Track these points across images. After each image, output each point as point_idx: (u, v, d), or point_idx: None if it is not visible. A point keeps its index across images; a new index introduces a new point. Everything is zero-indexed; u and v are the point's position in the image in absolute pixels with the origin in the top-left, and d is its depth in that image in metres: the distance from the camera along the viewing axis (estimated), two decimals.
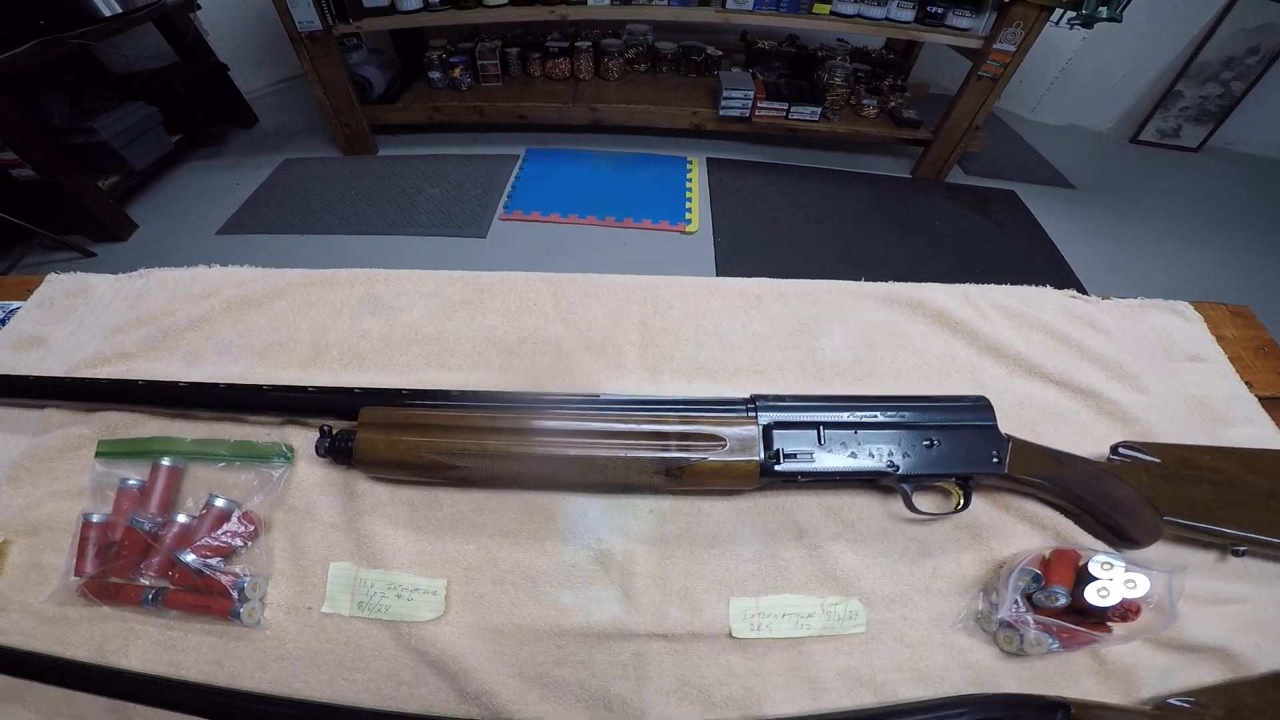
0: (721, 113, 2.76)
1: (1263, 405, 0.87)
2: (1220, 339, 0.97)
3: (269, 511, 0.68)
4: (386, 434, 0.64)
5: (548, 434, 0.63)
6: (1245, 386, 0.90)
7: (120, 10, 2.23)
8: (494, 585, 0.64)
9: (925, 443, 0.65)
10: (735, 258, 2.37)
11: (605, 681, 0.59)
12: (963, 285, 0.93)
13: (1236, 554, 0.71)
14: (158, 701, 0.55)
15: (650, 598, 0.63)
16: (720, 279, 0.90)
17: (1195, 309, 1.01)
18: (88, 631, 0.61)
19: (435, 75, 2.81)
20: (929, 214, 2.71)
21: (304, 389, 0.71)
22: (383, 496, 0.69)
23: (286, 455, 0.71)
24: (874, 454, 0.64)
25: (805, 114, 2.74)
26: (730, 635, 0.61)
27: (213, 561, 0.62)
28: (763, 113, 2.75)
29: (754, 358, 0.83)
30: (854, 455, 0.64)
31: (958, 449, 0.65)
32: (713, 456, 0.62)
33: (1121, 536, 0.68)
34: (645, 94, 2.89)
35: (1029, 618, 0.60)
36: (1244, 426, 0.84)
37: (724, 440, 0.63)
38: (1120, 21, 2.34)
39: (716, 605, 0.63)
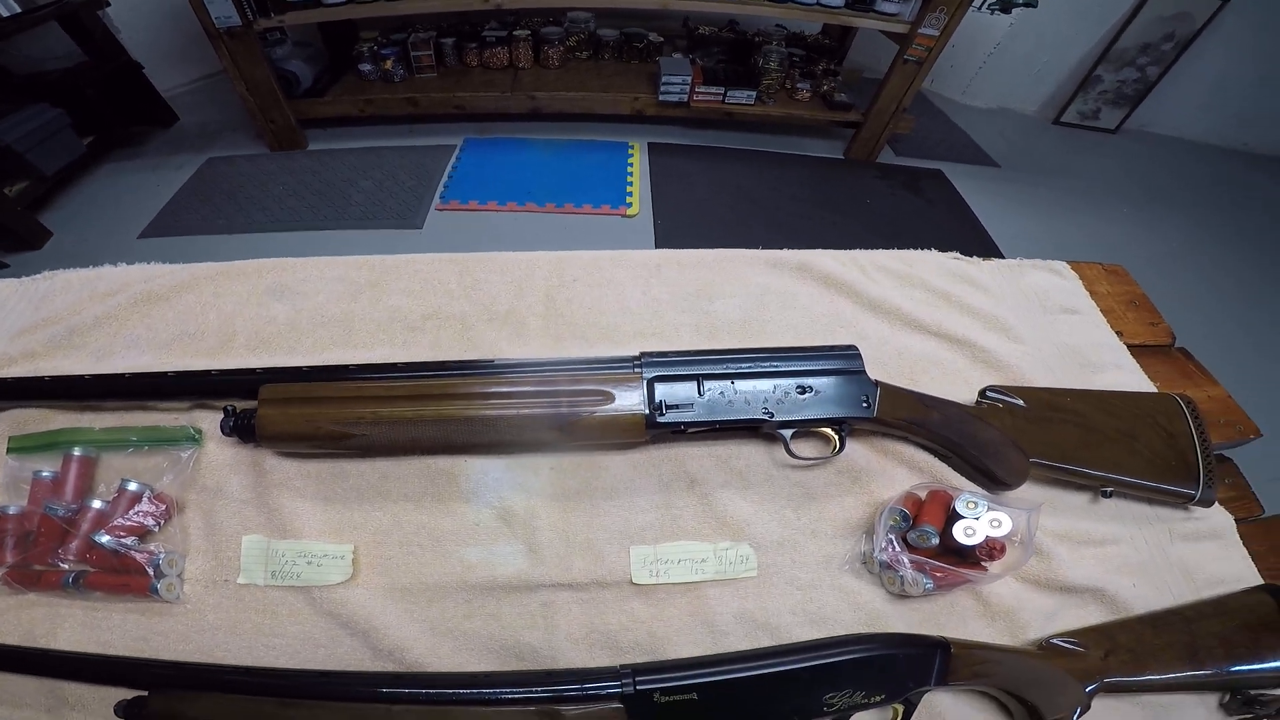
0: (661, 98, 2.79)
1: (1132, 352, 0.96)
2: (1094, 294, 1.05)
3: (181, 491, 0.70)
4: (286, 409, 0.66)
5: (441, 398, 0.66)
6: (1116, 336, 0.98)
7: (19, 10, 2.12)
8: (401, 547, 0.67)
9: (799, 390, 0.69)
10: (674, 238, 2.42)
11: (515, 632, 0.63)
12: (851, 250, 0.99)
13: (1105, 495, 0.76)
14: (86, 677, 0.57)
15: (554, 550, 0.67)
16: (623, 251, 0.94)
17: (1071, 267, 1.09)
18: (15, 619, 0.62)
19: (366, 68, 2.76)
20: (861, 193, 2.80)
21: (207, 373, 0.73)
22: (290, 471, 0.71)
23: (194, 437, 0.73)
24: (750, 402, 0.68)
25: (741, 98, 2.80)
26: (631, 582, 0.66)
27: (127, 541, 0.64)
28: (701, 97, 2.79)
29: (652, 322, 0.87)
30: (731, 404, 0.68)
31: (830, 395, 0.70)
32: (601, 411, 0.66)
33: (991, 478, 0.73)
34: (586, 81, 2.90)
35: (904, 557, 0.64)
36: (1111, 372, 0.92)
37: (612, 395, 0.66)
38: (1035, 6, 2.46)
39: (618, 554, 0.67)
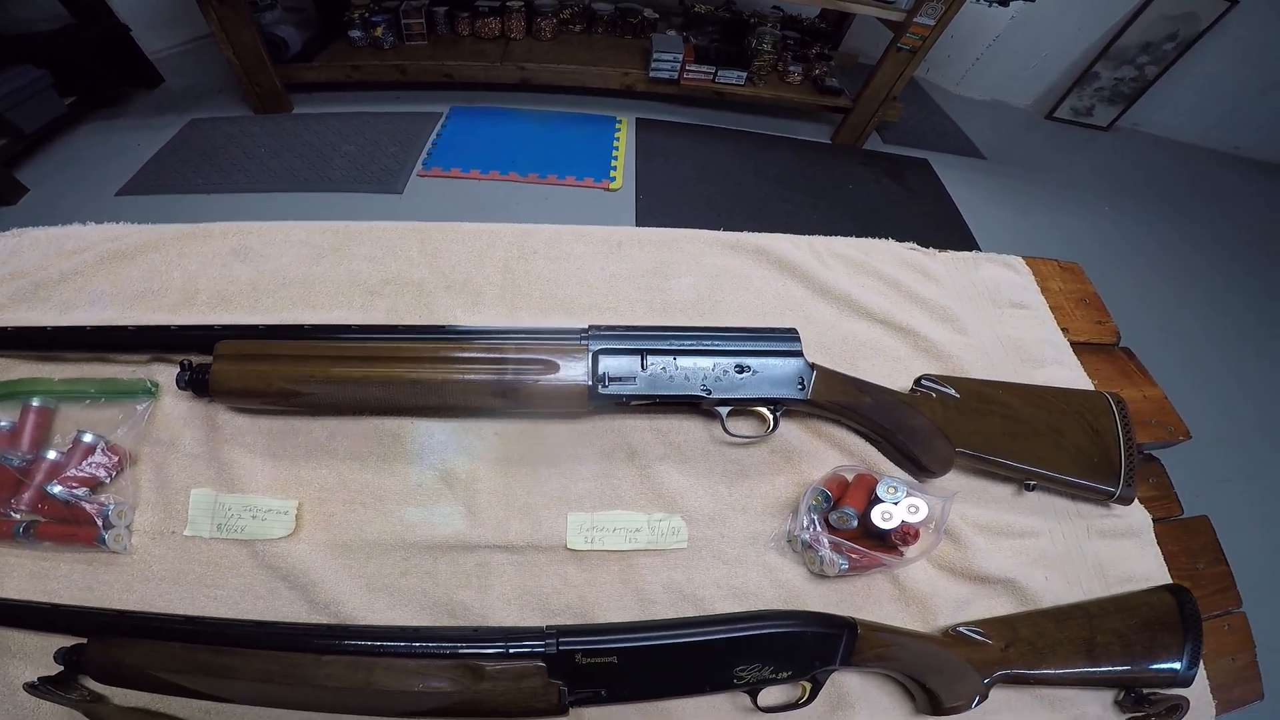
0: (652, 74, 2.77)
1: (1076, 350, 0.99)
2: (1046, 290, 1.08)
3: (135, 444, 0.71)
4: (240, 365, 0.68)
5: (390, 360, 0.68)
6: (1061, 332, 1.01)
7: None
8: (344, 505, 0.69)
9: (737, 369, 0.72)
10: (654, 214, 2.43)
11: (450, 590, 0.65)
12: (809, 236, 1.01)
13: (1028, 488, 0.79)
14: (27, 624, 0.59)
15: (493, 513, 0.70)
16: (586, 226, 0.96)
17: (1026, 263, 1.12)
18: None
19: (356, 34, 2.71)
20: (843, 179, 2.81)
21: (166, 327, 0.74)
22: (243, 426, 0.73)
23: (150, 390, 0.74)
24: (690, 378, 0.71)
25: (731, 78, 2.78)
26: (567, 547, 0.68)
27: (79, 492, 0.65)
28: (691, 75, 2.78)
29: (608, 297, 0.89)
30: (672, 380, 0.71)
31: (767, 376, 0.72)
32: (545, 380, 0.68)
33: (917, 464, 0.76)
34: (578, 54, 2.87)
35: (823, 537, 0.67)
36: (1052, 368, 0.95)
37: (557, 365, 0.69)
38: (1034, 1, 2.44)
39: (555, 520, 0.70)
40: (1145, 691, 0.68)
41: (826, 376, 0.74)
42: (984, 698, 0.64)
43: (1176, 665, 0.67)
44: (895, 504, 0.68)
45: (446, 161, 2.52)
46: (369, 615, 0.63)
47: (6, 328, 0.74)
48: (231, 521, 0.67)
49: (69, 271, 0.86)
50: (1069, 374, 0.94)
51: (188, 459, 0.71)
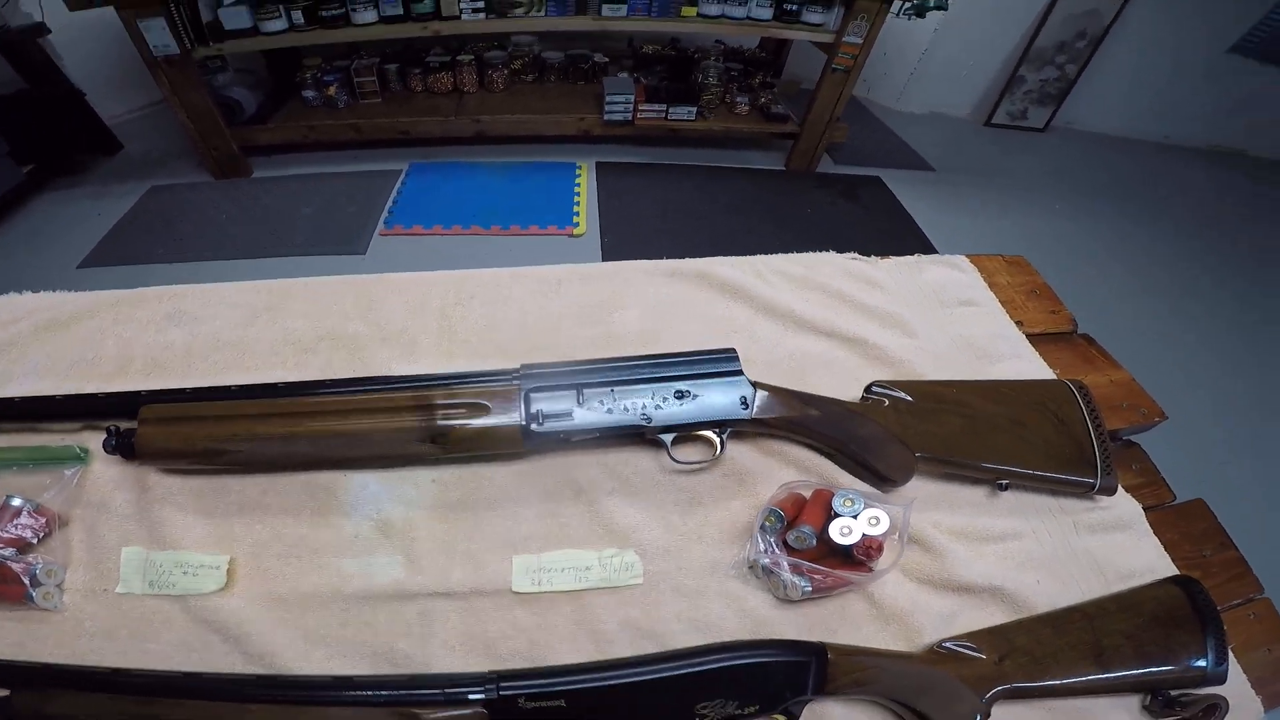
0: (606, 117, 2.84)
1: (1032, 341, 0.98)
2: (994, 285, 1.09)
3: (66, 507, 0.70)
4: (164, 427, 0.67)
5: (315, 415, 0.67)
6: (1014, 326, 1.01)
7: None
8: (279, 559, 0.67)
9: (677, 395, 0.71)
10: (619, 255, 2.44)
11: (390, 639, 0.63)
12: (750, 257, 1.01)
13: (1001, 488, 0.75)
14: None
15: (433, 560, 0.67)
16: (524, 268, 0.96)
17: (970, 261, 1.13)
18: None
19: (310, 94, 2.75)
20: (801, 203, 2.87)
21: (94, 395, 0.74)
22: (174, 486, 0.72)
23: (80, 456, 0.74)
24: (629, 408, 0.70)
25: (682, 114, 2.85)
26: (512, 591, 0.66)
27: (6, 552, 0.64)
28: (644, 115, 2.85)
29: (550, 337, 0.88)
30: (610, 411, 0.69)
31: (708, 398, 0.71)
32: (476, 423, 0.67)
33: (876, 474, 0.74)
34: (532, 103, 2.93)
35: (783, 560, 0.63)
36: (1010, 361, 0.94)
37: (487, 408, 0.67)
38: (946, 9, 2.56)
39: (499, 563, 0.67)
40: (1175, 694, 0.62)
41: (770, 393, 0.73)
42: (986, 717, 0.59)
43: (1203, 662, 0.61)
44: (854, 517, 0.65)
45: (408, 219, 2.53)
46: (306, 666, 0.60)
47: None
48: (163, 578, 0.65)
49: (5, 343, 0.85)
50: (1028, 366, 0.94)
51: (119, 519, 0.70)
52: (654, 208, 2.73)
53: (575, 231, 2.53)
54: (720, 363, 0.73)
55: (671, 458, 0.71)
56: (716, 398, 0.72)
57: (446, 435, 0.66)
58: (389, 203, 2.61)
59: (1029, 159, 3.50)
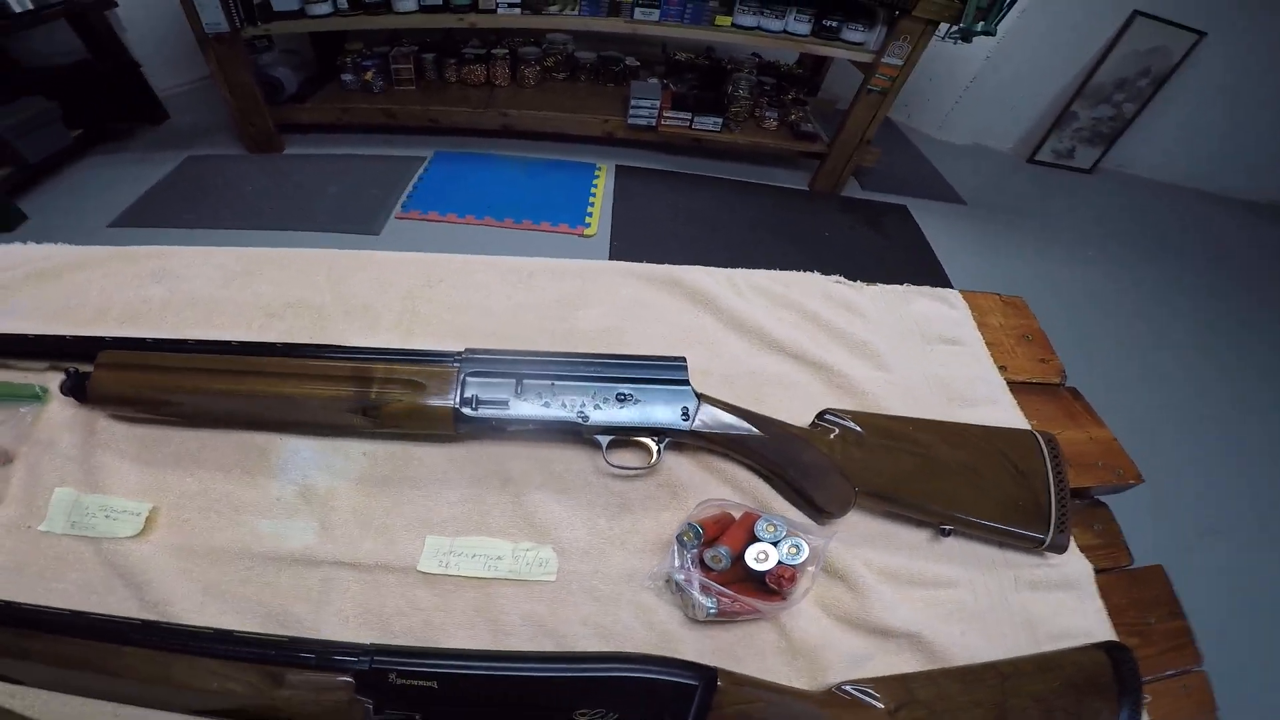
0: (630, 121, 2.84)
1: (1014, 389, 0.95)
2: (985, 326, 1.05)
3: (14, 443, 0.72)
4: (116, 373, 0.69)
5: (257, 375, 0.68)
6: (997, 370, 0.97)
7: (31, 6, 2.21)
8: (200, 512, 0.69)
9: (618, 397, 0.70)
10: (627, 259, 2.44)
11: (286, 602, 0.63)
12: (730, 269, 1.00)
13: (944, 533, 0.73)
14: None
15: (346, 530, 0.68)
16: (497, 257, 0.96)
17: (964, 297, 1.09)
18: None
19: (348, 77, 2.83)
20: (820, 225, 2.83)
21: (61, 336, 0.76)
22: (119, 433, 0.74)
23: (38, 395, 0.76)
24: (566, 405, 0.69)
25: (708, 124, 2.85)
26: (418, 569, 0.66)
27: None
28: (668, 122, 2.85)
29: (510, 326, 0.88)
30: (547, 405, 0.69)
31: (648, 405, 0.71)
32: (408, 400, 0.67)
33: (812, 504, 0.71)
34: (560, 101, 2.96)
35: (695, 577, 0.62)
36: (983, 407, 0.91)
37: (424, 386, 0.68)
38: (994, 35, 2.50)
39: (411, 542, 0.67)
40: None
41: (714, 407, 0.72)
42: None
43: None
44: (774, 544, 0.63)
45: (425, 204, 2.57)
46: (197, 618, 0.61)
47: None
48: (86, 519, 0.67)
49: None
50: (1003, 414, 0.90)
51: (61, 460, 0.71)
52: (668, 215, 2.73)
53: (586, 232, 2.55)
54: (667, 370, 0.72)
55: (606, 460, 0.71)
56: (658, 405, 0.71)
57: (378, 410, 0.67)
58: (409, 187, 2.66)
59: (1069, 201, 3.39)
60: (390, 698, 0.52)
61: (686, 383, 0.72)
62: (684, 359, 0.73)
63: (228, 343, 0.72)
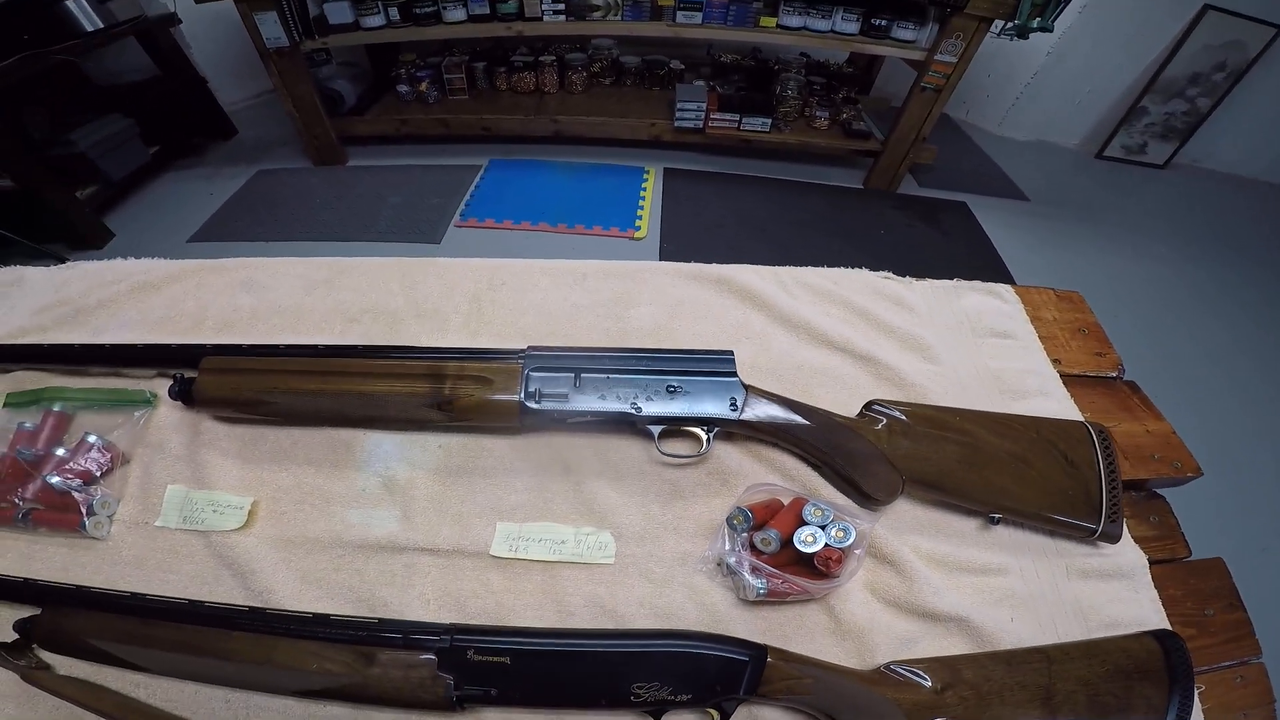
0: (677, 124, 2.88)
1: (1068, 382, 0.94)
2: (1038, 320, 1.04)
3: (131, 445, 0.80)
4: (218, 377, 0.76)
5: (342, 375, 0.74)
6: (1050, 363, 0.96)
7: (102, 25, 2.35)
8: (295, 504, 0.75)
9: (668, 389, 0.74)
10: (678, 261, 2.47)
11: (374, 587, 0.69)
12: (777, 267, 1.02)
13: (993, 521, 0.74)
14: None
15: (426, 518, 0.73)
16: (553, 261, 1.01)
17: (1016, 292, 1.08)
18: None
19: (403, 89, 2.96)
20: (875, 223, 2.80)
21: (167, 345, 0.84)
22: (220, 432, 0.81)
23: (149, 400, 0.84)
24: (621, 397, 0.73)
25: (756, 125, 2.86)
26: (490, 554, 0.71)
27: (74, 483, 0.74)
28: (716, 124, 2.87)
29: (567, 325, 0.93)
30: (603, 398, 0.73)
31: (699, 396, 0.74)
32: (479, 395, 0.72)
33: (860, 491, 0.73)
34: (607, 106, 3.03)
35: (745, 559, 0.65)
36: (1036, 399, 0.90)
37: (491, 382, 0.73)
38: (1051, 31, 2.42)
39: (484, 528, 0.73)
40: None
41: (761, 397, 0.75)
42: None
43: None
44: (821, 527, 0.66)
45: (482, 212, 2.67)
46: (297, 604, 0.67)
47: (43, 344, 0.87)
48: (196, 514, 0.73)
49: (105, 299, 0.98)
50: (1056, 406, 0.89)
51: (171, 459, 0.79)
52: (718, 217, 2.74)
53: (636, 235, 2.59)
54: (716, 363, 0.76)
55: (658, 449, 0.74)
56: (706, 397, 0.74)
57: (452, 404, 0.72)
58: (467, 196, 2.76)
59: (1140, 197, 3.24)
60: (468, 673, 0.56)
61: (734, 375, 0.75)
62: (731, 352, 0.76)
63: (315, 346, 0.79)
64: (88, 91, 2.63)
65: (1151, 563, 0.74)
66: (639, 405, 0.73)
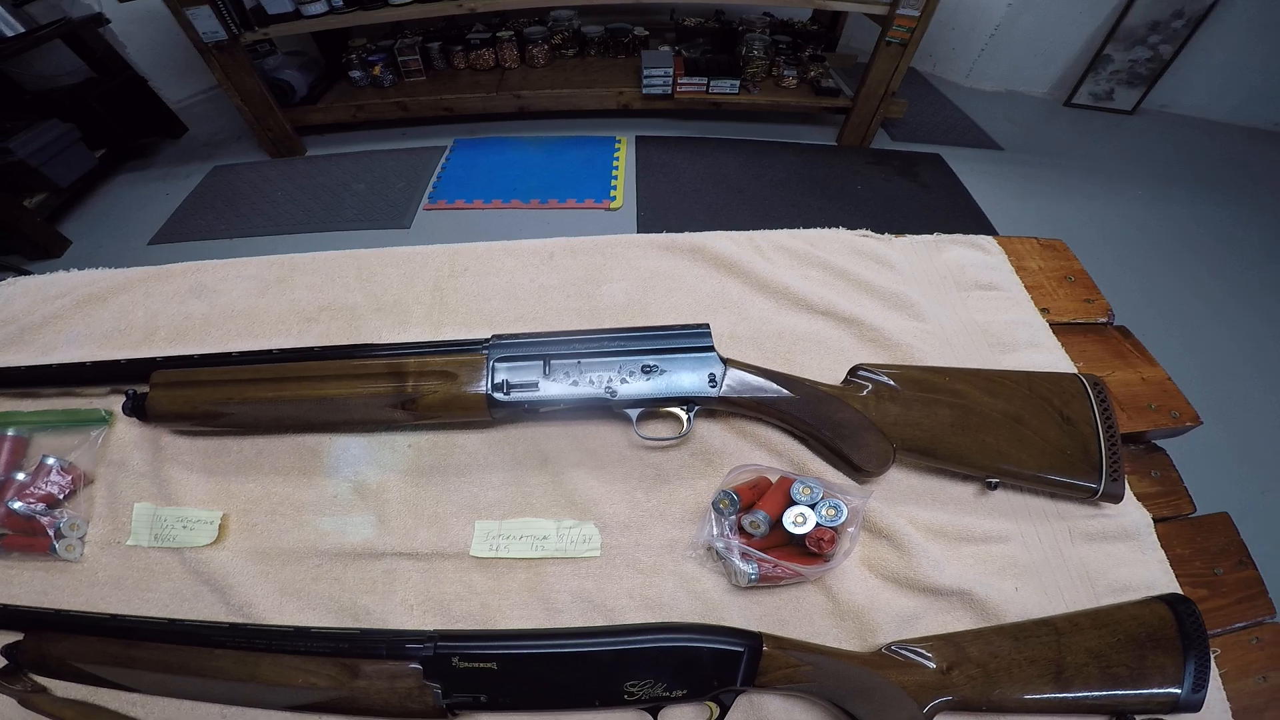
0: (645, 91, 2.80)
1: (1058, 331, 0.91)
2: (1023, 270, 1.01)
3: (91, 465, 0.77)
4: (170, 391, 0.72)
5: (299, 380, 0.70)
6: (1038, 313, 0.93)
7: (22, 29, 2.26)
8: (267, 516, 0.72)
9: (644, 369, 0.70)
10: (655, 229, 2.41)
11: (355, 595, 0.66)
12: (752, 231, 0.98)
13: (990, 486, 0.71)
14: None
15: (401, 521, 0.70)
16: (517, 241, 0.96)
17: (998, 242, 1.05)
18: None
19: (357, 74, 2.85)
20: (852, 179, 2.75)
21: (117, 362, 0.79)
22: (182, 446, 0.78)
23: (104, 418, 0.81)
24: (594, 382, 0.70)
25: (724, 87, 2.78)
26: (470, 554, 0.68)
27: (37, 507, 0.72)
28: (684, 88, 2.79)
29: (535, 308, 0.89)
30: (575, 384, 0.69)
31: (675, 374, 0.70)
32: (444, 390, 0.68)
33: (849, 463, 0.70)
34: (572, 78, 2.93)
35: (734, 544, 0.62)
36: (1026, 351, 0.87)
37: (456, 376, 0.69)
38: None
39: (462, 527, 0.70)
40: (1139, 718, 0.58)
41: (742, 371, 0.71)
42: None
43: (1176, 690, 0.56)
44: (811, 506, 0.63)
45: (451, 194, 2.60)
46: (278, 617, 0.65)
47: None
48: (166, 531, 0.71)
49: (50, 316, 0.93)
50: (1048, 357, 0.86)
51: (135, 477, 0.76)
52: (694, 182, 2.68)
53: (612, 205, 2.53)
54: (691, 338, 0.72)
55: (637, 433, 0.71)
56: (684, 374, 0.70)
57: (415, 402, 0.68)
58: (433, 178, 2.68)
59: (1111, 142, 3.21)
60: (456, 681, 0.54)
61: (711, 349, 0.71)
62: (707, 325, 0.73)
63: (269, 352, 0.75)
64: (20, 98, 2.53)
65: (1156, 521, 0.72)
66: (614, 389, 0.69)
